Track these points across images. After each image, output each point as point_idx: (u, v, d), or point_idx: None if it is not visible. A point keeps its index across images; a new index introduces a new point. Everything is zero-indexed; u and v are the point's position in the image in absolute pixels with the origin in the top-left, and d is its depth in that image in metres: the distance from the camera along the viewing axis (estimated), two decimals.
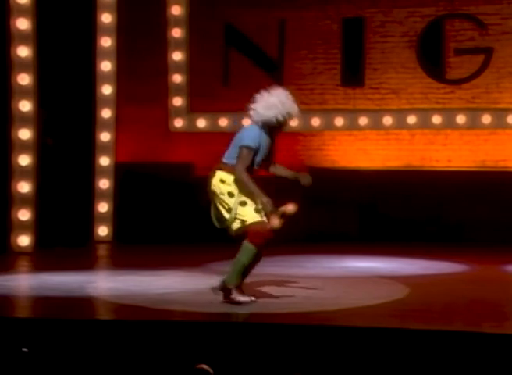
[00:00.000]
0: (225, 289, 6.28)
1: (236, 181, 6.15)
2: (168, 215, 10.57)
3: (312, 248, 9.66)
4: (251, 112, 6.20)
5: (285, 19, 11.04)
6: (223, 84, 11.19)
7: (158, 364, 5.52)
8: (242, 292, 6.26)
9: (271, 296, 6.67)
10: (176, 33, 11.11)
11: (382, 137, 10.84)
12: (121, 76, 10.48)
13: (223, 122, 11.14)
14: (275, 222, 6.04)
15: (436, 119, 10.66)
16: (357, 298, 6.64)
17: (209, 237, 10.15)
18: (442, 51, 10.63)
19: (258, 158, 6.20)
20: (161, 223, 10.51)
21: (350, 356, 5.37)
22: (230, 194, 6.18)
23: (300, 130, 10.99)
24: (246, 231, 6.12)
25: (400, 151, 10.66)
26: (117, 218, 10.43)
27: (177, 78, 11.15)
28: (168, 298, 6.65)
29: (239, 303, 6.17)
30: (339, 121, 10.90)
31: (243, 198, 6.13)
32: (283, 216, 6.08)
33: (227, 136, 11.00)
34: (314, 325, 5.67)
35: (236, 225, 6.18)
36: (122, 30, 10.40)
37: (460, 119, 10.61)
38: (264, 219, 6.09)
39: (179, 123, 11.20)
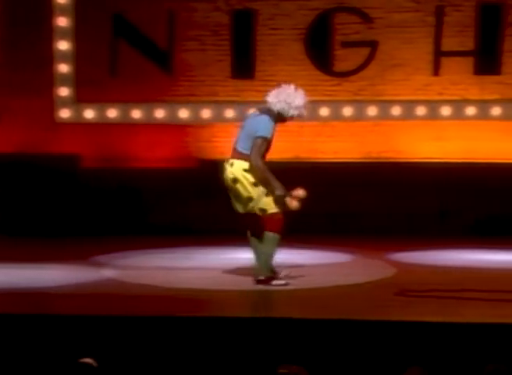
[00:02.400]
0: (261, 281, 6.66)
1: (252, 169, 6.53)
2: (53, 207, 10.34)
3: (208, 240, 9.60)
4: (271, 102, 6.74)
5: (174, 10, 10.93)
6: (111, 75, 10.99)
7: (39, 358, 5.39)
8: (276, 277, 6.69)
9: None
10: (62, 21, 10.82)
11: None
12: (2, 67, 10.17)
13: (112, 113, 10.95)
14: (294, 204, 6.56)
15: (324, 111, 10.77)
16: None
17: (95, 230, 10.05)
18: (329, 44, 10.75)
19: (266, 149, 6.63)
20: (46, 216, 10.27)
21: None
22: (255, 184, 6.57)
23: (190, 121, 10.93)
24: (264, 221, 6.54)
25: (289, 143, 10.71)
26: (0, 209, 10.14)
27: (63, 68, 10.86)
28: (51, 292, 6.50)
29: (282, 285, 6.63)
30: (229, 113, 10.87)
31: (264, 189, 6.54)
32: (297, 199, 6.60)
33: (116, 127, 11.06)
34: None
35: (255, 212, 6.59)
36: (2, 19, 10.09)
37: (347, 111, 10.75)
38: (280, 209, 6.55)
39: (65, 113, 10.93)
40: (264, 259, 6.64)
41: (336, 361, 5.39)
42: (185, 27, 10.90)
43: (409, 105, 10.61)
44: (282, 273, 6.84)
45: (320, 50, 10.76)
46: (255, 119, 6.79)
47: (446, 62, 10.61)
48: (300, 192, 6.69)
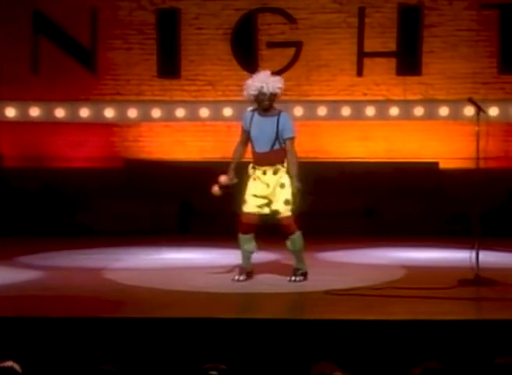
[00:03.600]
0: (304, 274, 6.95)
1: (293, 167, 6.84)
2: None
3: (130, 240, 9.44)
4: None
5: (97, 7, 10.72)
6: (33, 72, 10.72)
7: None
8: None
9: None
10: None
11: (198, 128, 10.76)
12: None
13: (34, 111, 10.66)
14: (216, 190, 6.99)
15: None
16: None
17: (17, 231, 9.76)
18: (254, 44, 10.72)
19: None
20: None
21: None
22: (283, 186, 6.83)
23: (116, 121, 10.74)
24: (281, 223, 6.79)
25: (217, 143, 10.64)
26: None
27: None
28: None
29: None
30: (155, 112, 10.72)
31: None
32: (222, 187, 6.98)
33: (38, 126, 10.78)
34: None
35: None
36: None
37: None
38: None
39: None
40: (300, 256, 6.98)
41: (257, 361, 5.34)
42: (109, 26, 10.72)
43: (334, 105, 10.66)
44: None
45: (245, 50, 10.72)
46: (272, 121, 6.92)
47: (369, 62, 10.71)
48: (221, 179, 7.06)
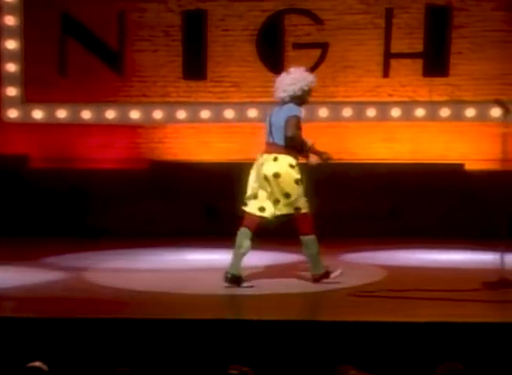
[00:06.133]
0: (321, 276, 6.85)
1: (290, 143, 6.76)
2: (1, 207, 10.12)
3: (155, 241, 9.48)
4: (284, 91, 6.97)
5: (124, 9, 10.80)
6: (60, 74, 10.82)
7: None
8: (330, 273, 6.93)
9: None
10: (9, 20, 10.62)
11: (224, 130, 10.78)
12: None
13: (61, 113, 10.76)
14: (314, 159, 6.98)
15: None
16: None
17: (44, 231, 9.86)
18: (280, 45, 10.71)
19: None
20: None
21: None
22: (297, 182, 6.72)
23: (141, 122, 10.81)
24: (297, 222, 6.73)
25: (242, 145, 10.66)
26: None
27: (11, 67, 10.66)
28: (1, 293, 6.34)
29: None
30: (181, 114, 10.77)
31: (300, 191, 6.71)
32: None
33: (64, 127, 10.87)
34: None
35: (288, 210, 6.73)
36: None
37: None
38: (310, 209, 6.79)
39: (13, 113, 10.71)
40: (314, 260, 6.86)
41: (284, 362, 5.35)
42: (136, 28, 10.79)
43: (360, 106, 10.64)
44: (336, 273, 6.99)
45: (271, 51, 10.72)
46: (281, 110, 6.98)
47: (395, 63, 10.67)
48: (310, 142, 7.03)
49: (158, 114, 10.77)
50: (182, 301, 6.34)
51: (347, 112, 10.64)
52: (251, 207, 6.87)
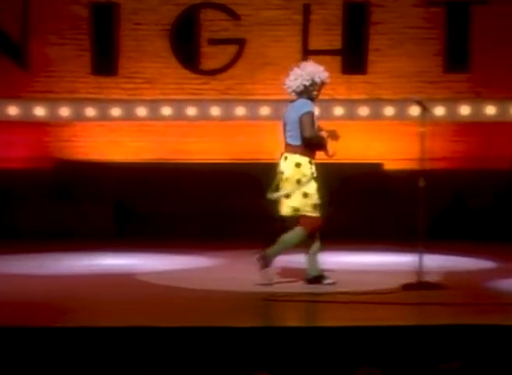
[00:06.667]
0: (311, 281, 6.84)
1: (309, 144, 6.80)
2: None
3: (60, 245, 9.11)
4: (294, 86, 6.91)
5: (29, 0, 10.39)
6: None
7: None
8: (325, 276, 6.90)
9: None
10: None
11: (135, 128, 10.46)
12: None
13: None
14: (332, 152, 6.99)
15: (191, 111, 10.50)
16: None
17: None
18: (196, 40, 10.48)
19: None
20: None
21: None
22: (298, 181, 6.77)
23: (46, 119, 10.40)
24: (300, 220, 6.74)
25: (155, 144, 10.40)
26: None
27: None
28: None
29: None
30: (90, 111, 10.41)
31: (307, 190, 6.76)
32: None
33: None
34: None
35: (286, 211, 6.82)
36: None
37: (215, 110, 10.52)
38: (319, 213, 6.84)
39: None
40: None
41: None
42: (41, 19, 10.38)
43: (278, 104, 10.48)
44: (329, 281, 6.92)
45: (186, 47, 10.48)
46: (292, 107, 6.98)
47: (313, 60, 10.50)
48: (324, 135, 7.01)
49: (64, 111, 10.37)
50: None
51: (265, 110, 10.50)
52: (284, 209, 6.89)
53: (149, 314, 5.79)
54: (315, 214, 6.83)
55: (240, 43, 10.50)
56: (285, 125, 6.96)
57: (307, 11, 10.51)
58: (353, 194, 10.01)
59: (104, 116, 10.39)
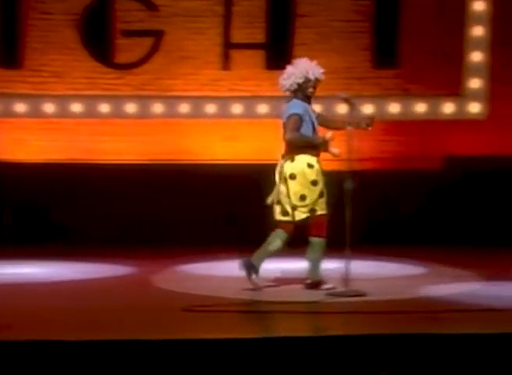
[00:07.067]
0: (309, 285, 7.04)
1: (291, 144, 7.03)
2: None
3: None
4: (286, 85, 7.16)
5: None
6: None
7: None
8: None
9: None
10: None
11: (42, 126, 10.29)
12: None
13: None
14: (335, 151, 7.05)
15: (103, 108, 10.40)
16: None
17: None
18: (108, 32, 10.37)
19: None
20: None
21: None
22: (313, 183, 6.96)
23: None
24: (311, 224, 6.93)
25: (63, 143, 10.27)
26: None
27: None
28: None
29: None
30: None
31: (294, 188, 6.94)
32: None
33: None
34: None
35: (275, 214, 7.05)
36: None
37: (130, 107, 10.44)
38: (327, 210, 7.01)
39: None
40: (313, 265, 6.99)
41: None
42: None
43: (198, 101, 10.50)
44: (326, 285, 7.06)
45: (98, 39, 10.38)
46: (285, 108, 7.24)
47: (236, 55, 10.59)
48: (328, 135, 7.11)
49: None
50: None
51: (184, 107, 10.48)
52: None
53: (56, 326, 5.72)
54: (325, 211, 6.99)
55: (157, 35, 10.43)
56: (283, 128, 7.24)
57: (228, 2, 10.52)
58: None
59: (7, 113, 10.22)
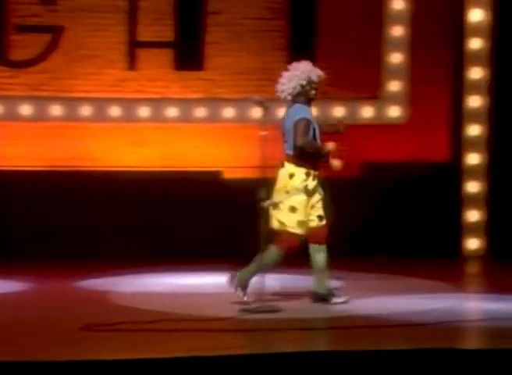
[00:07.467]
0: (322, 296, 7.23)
1: (301, 151, 7.10)
2: None
3: None
4: (288, 90, 7.25)
5: None
6: None
7: None
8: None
9: None
10: None
11: None
12: None
13: None
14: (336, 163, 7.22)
15: None
16: None
17: None
18: (1, 27, 10.18)
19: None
20: None
21: None
22: (287, 192, 7.10)
23: None
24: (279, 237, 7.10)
25: None
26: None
27: None
28: None
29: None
30: None
31: (295, 204, 7.06)
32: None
33: None
34: None
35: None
36: None
37: (25, 109, 10.23)
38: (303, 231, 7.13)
39: None
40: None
41: None
42: None
43: (101, 103, 10.42)
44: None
45: None
46: (288, 114, 7.32)
47: (142, 54, 10.55)
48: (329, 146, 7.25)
49: None
50: None
51: (86, 110, 10.40)
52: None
53: None
54: (298, 231, 7.10)
55: (56, 31, 10.31)
56: (283, 135, 7.30)
57: None
58: (189, 205, 10.09)
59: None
